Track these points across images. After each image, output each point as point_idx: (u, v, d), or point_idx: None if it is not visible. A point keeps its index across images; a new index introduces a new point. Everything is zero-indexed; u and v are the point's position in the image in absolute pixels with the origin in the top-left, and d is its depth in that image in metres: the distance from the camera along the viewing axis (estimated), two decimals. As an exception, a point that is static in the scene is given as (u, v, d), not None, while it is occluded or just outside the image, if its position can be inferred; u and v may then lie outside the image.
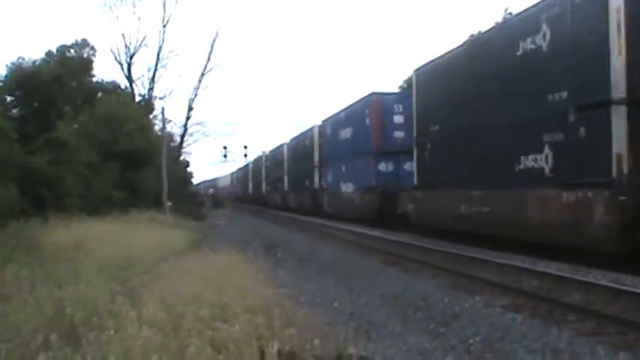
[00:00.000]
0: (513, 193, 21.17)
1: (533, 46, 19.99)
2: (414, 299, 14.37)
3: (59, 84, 41.49)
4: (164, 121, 52.21)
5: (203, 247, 21.28)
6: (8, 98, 41.74)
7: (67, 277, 12.30)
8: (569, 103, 18.13)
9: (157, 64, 64.43)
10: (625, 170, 16.40)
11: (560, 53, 18.73)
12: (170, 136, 60.86)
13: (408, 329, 11.61)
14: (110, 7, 64.74)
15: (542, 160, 19.40)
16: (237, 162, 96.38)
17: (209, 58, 66.28)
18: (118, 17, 66.05)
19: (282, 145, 70.39)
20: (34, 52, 75.56)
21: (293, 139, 66.07)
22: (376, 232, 30.58)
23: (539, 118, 19.44)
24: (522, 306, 13.17)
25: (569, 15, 18.36)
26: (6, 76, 42.16)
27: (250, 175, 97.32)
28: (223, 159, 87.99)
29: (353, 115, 41.95)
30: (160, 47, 64.43)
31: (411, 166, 31.51)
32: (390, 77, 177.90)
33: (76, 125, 41.49)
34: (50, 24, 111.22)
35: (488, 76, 23.02)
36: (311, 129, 56.03)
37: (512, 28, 22.50)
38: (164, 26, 64.70)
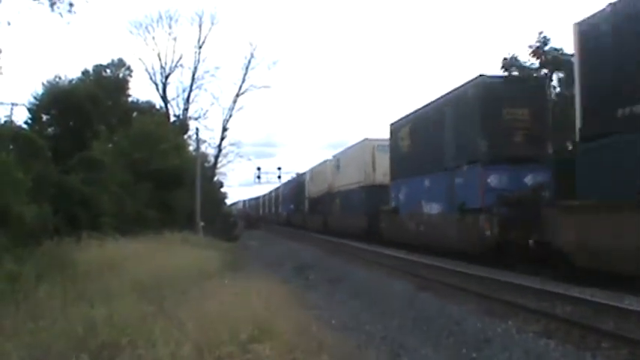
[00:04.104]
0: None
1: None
2: (447, 323, 14.23)
3: (95, 103, 41.67)
4: (198, 141, 52.44)
5: (235, 268, 21.25)
6: (44, 117, 41.98)
7: (98, 296, 12.26)
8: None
9: (191, 85, 64.91)
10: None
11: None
12: (204, 156, 61.14)
13: (439, 354, 11.51)
14: (146, 28, 65.25)
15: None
16: (271, 183, 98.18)
17: (244, 80, 66.74)
18: (154, 38, 66.20)
19: (271, 191, 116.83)
20: (70, 71, 76.13)
21: (267, 193, 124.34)
22: (409, 256, 30.37)
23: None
24: (555, 332, 13.03)
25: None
26: (42, 95, 42.44)
27: (261, 203, 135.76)
28: (257, 180, 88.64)
29: (291, 183, 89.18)
30: (196, 68, 64.90)
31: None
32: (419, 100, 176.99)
33: (110, 145, 41.68)
34: (87, 43, 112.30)
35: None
36: (276, 189, 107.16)
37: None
38: (200, 47, 65.25)
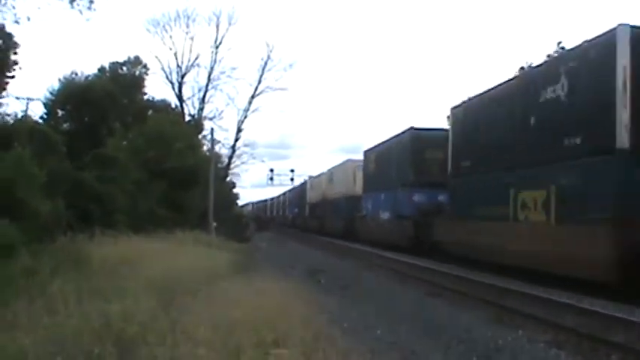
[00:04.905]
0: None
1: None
2: (457, 331, 14.24)
3: (110, 100, 41.84)
4: (213, 141, 52.40)
5: (248, 270, 21.28)
6: (60, 112, 42.12)
7: (112, 293, 12.30)
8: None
9: (207, 85, 64.82)
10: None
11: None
12: (218, 156, 61.00)
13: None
14: (164, 26, 65.14)
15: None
16: (284, 185, 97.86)
17: (260, 81, 66.68)
18: (171, 37, 65.73)
19: (279, 195, 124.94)
20: (86, 68, 76.26)
21: (276, 197, 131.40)
22: (419, 262, 30.44)
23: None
24: (565, 342, 13.00)
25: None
26: (58, 90, 42.62)
27: (269, 206, 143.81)
28: (270, 182, 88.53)
29: (296, 189, 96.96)
30: (212, 68, 64.80)
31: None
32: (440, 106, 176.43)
33: (125, 142, 41.73)
34: (104, 40, 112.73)
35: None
36: (284, 194, 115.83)
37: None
38: (216, 47, 65.13)
